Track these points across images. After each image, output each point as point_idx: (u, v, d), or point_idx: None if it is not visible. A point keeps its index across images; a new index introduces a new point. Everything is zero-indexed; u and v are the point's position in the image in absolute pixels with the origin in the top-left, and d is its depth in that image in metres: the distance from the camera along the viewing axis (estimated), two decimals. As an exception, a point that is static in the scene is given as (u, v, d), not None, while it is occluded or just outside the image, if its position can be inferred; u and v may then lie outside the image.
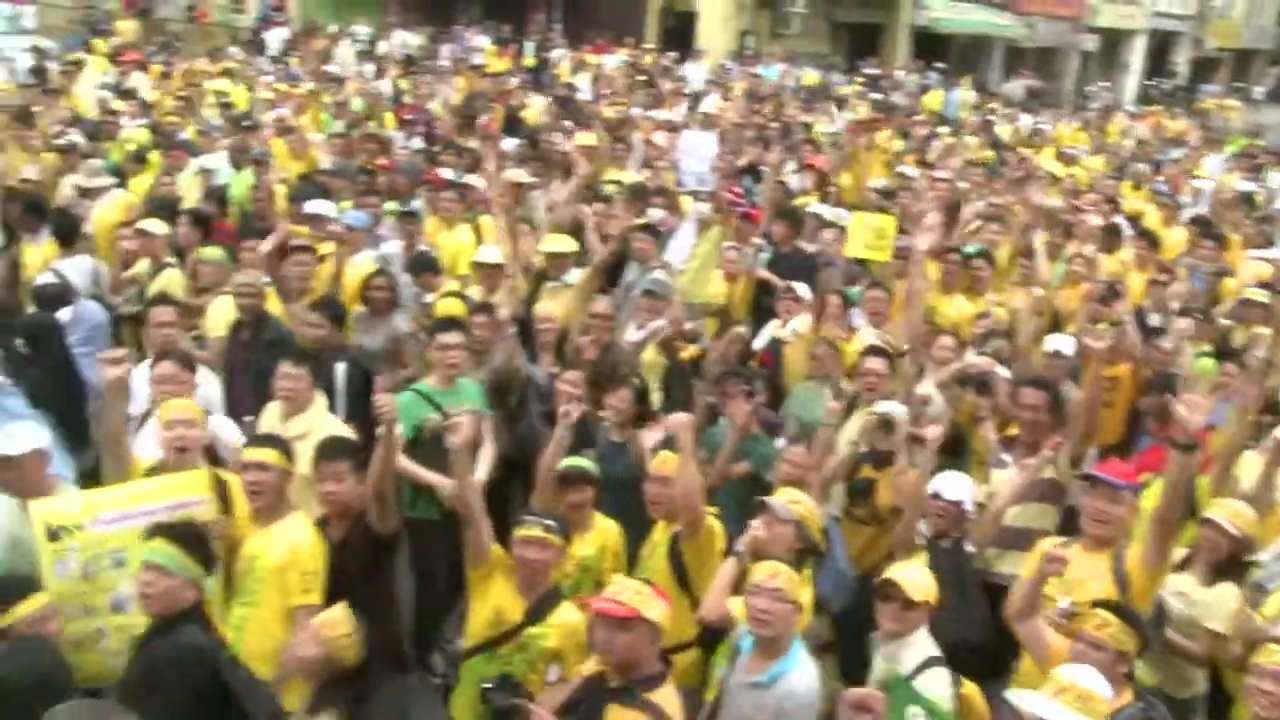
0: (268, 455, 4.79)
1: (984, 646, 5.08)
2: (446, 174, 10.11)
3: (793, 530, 4.88)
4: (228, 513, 4.94)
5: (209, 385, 6.24)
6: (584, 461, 5.43)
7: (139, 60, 17.19)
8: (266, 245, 7.26)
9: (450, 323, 6.31)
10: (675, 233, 9.08)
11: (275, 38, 25.11)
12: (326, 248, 7.78)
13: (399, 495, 5.24)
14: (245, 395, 6.43)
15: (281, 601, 4.62)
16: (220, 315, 6.99)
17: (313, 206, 8.43)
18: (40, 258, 8.21)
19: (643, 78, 18.35)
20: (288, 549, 4.64)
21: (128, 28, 23.95)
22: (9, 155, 10.04)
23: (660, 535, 5.30)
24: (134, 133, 11.90)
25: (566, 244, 7.95)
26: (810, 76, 22.36)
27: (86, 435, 6.57)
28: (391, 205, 9.19)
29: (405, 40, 23.08)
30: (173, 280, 7.67)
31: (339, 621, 4.10)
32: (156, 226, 7.98)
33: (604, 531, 5.35)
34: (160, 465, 5.05)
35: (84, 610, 4.35)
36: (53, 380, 6.55)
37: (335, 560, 4.78)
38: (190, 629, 4.02)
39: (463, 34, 24.68)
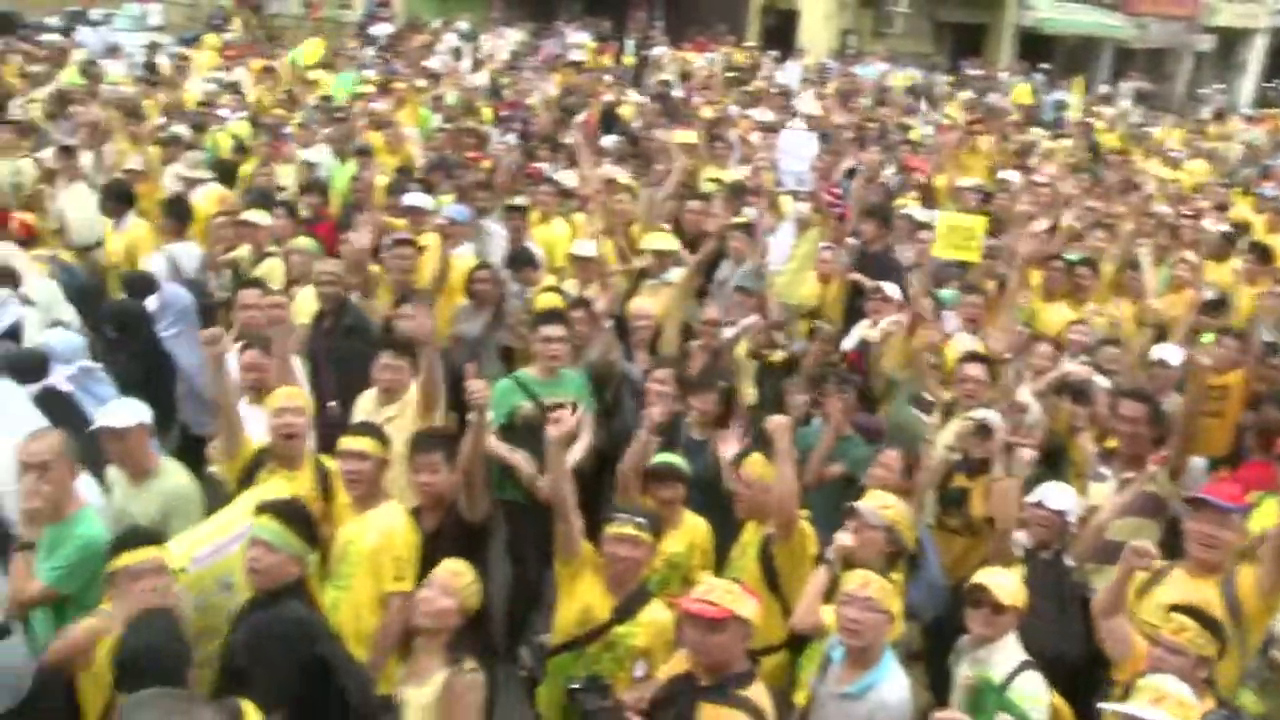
0: (366, 444, 4.90)
1: (1081, 661, 4.98)
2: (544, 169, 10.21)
3: (883, 535, 4.82)
4: (328, 501, 5.05)
5: (297, 368, 6.30)
6: (674, 458, 5.43)
7: (244, 54, 17.56)
8: (362, 239, 7.36)
9: (553, 315, 6.41)
10: (772, 233, 9.03)
11: (380, 32, 25.54)
12: (426, 240, 7.89)
13: (489, 480, 5.30)
14: (329, 382, 6.56)
15: (374, 586, 4.71)
16: (305, 305, 7.13)
17: (411, 199, 8.55)
18: (123, 244, 8.54)
19: (733, 74, 18.25)
20: (382, 535, 4.73)
21: (238, 23, 24.54)
22: (117, 146, 10.32)
23: (751, 536, 5.27)
24: (235, 125, 12.17)
25: (667, 241, 7.95)
26: (904, 77, 21.98)
27: (172, 418, 6.85)
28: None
29: (507, 36, 23.26)
30: (273, 269, 7.85)
31: (461, 570, 4.18)
32: (260, 217, 8.18)
33: (693, 529, 5.33)
34: (268, 450, 5.19)
35: (206, 634, 4.48)
36: (140, 365, 6.79)
37: (428, 550, 4.85)
38: (293, 603, 4.16)
39: (563, 30, 24.82)
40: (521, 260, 7.84)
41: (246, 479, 5.17)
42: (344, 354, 6.65)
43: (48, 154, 9.69)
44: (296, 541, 4.21)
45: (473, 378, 4.91)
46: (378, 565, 4.71)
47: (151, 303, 7.29)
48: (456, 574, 4.18)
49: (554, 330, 6.21)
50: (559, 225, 8.97)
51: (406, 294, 6.96)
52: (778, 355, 7.31)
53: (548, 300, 7.15)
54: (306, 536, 4.28)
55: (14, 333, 6.71)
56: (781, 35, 27.49)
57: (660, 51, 22.26)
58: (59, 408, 5.82)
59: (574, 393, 6.14)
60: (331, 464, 5.24)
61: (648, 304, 7.23)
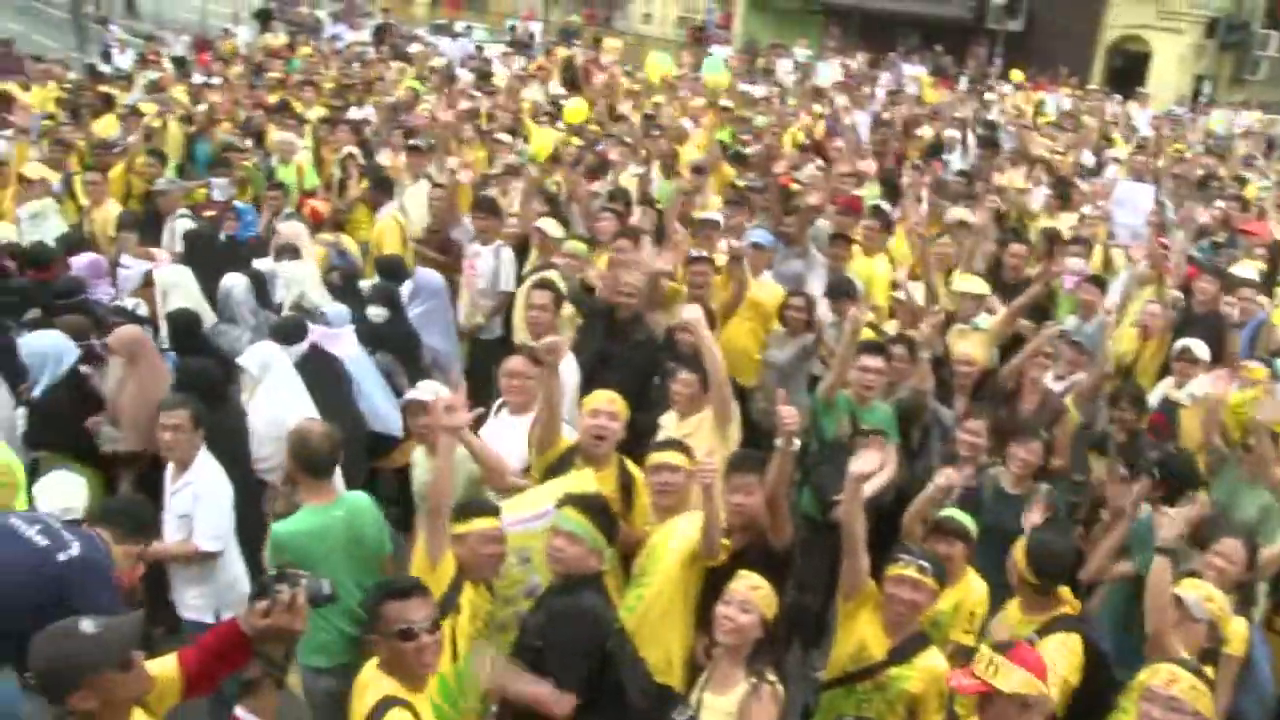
0: (678, 458, 5.07)
1: None
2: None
3: (1204, 630, 4.52)
4: (629, 504, 5.27)
5: (568, 373, 6.42)
6: (961, 515, 5.24)
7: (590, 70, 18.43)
8: (669, 256, 7.49)
9: (876, 347, 6.46)
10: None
11: (722, 54, 26.18)
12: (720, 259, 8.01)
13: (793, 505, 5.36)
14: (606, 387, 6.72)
15: (674, 592, 4.82)
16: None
17: (705, 215, 8.66)
18: (377, 229, 9.34)
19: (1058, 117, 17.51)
20: (685, 541, 4.84)
21: (588, 38, 25.85)
22: (442, 149, 10.92)
23: (1019, 627, 4.94)
24: (551, 133, 12.77)
25: (978, 285, 7.79)
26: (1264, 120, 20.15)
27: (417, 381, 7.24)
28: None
29: (839, 65, 23.30)
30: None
31: (757, 583, 4.26)
32: (552, 227, 8.46)
33: (967, 590, 5.12)
34: (577, 448, 5.45)
35: (504, 600, 4.82)
36: (397, 337, 7.29)
37: (731, 569, 4.76)
38: (589, 593, 4.38)
39: (898, 62, 24.62)
40: (840, 290, 7.78)
41: (552, 473, 5.39)
42: (633, 366, 6.86)
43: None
44: (598, 535, 4.45)
45: (784, 403, 4.97)
46: (681, 572, 4.82)
47: (406, 286, 7.86)
48: (754, 587, 4.26)
49: (874, 362, 6.28)
50: (880, 262, 8.85)
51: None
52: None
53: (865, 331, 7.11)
54: (607, 532, 4.51)
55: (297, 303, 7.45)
56: (1129, 77, 26.17)
57: (1005, 89, 21.64)
58: (322, 365, 6.52)
59: (882, 425, 6.16)
60: (635, 469, 5.44)
61: (973, 349, 7.07)
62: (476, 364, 8.27)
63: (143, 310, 7.09)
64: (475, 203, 9.20)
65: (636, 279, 7.20)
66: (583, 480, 5.09)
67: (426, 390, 5.44)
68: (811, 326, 7.53)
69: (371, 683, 3.74)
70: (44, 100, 13.86)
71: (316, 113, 13.44)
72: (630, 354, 6.94)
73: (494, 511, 4.62)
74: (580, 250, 8.13)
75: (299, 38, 22.71)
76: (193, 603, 5.31)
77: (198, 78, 15.83)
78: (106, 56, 20.38)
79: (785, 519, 4.99)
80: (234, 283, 7.31)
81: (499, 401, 6.06)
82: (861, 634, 4.59)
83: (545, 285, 6.98)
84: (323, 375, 6.49)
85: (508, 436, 5.76)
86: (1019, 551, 4.92)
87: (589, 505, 4.51)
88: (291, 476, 5.04)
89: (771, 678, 4.11)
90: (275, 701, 3.55)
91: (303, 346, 6.59)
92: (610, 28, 33.49)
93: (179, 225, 8.85)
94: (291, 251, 7.89)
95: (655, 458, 5.15)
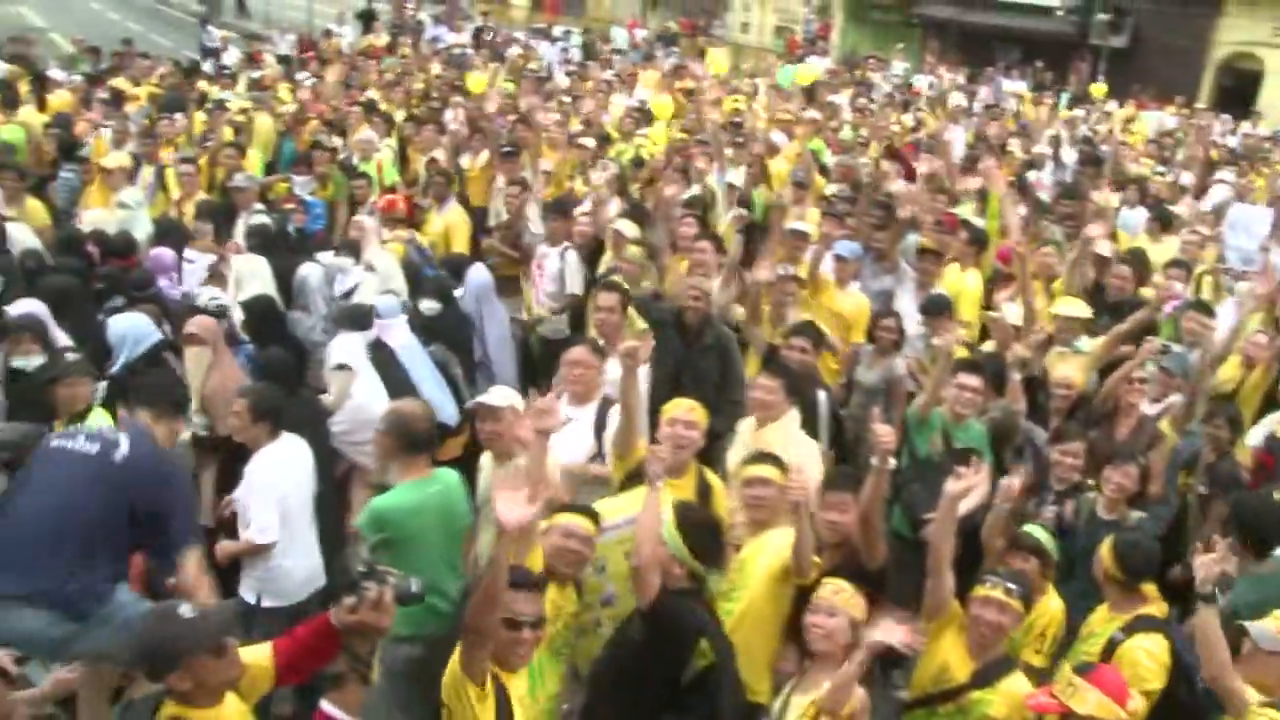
0: (771, 472, 5.03)
1: None
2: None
3: None
4: None
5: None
6: (1041, 532, 5.21)
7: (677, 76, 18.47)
8: (764, 271, 7.40)
9: (974, 366, 6.39)
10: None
11: (819, 65, 26.08)
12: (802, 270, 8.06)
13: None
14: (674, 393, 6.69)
15: (763, 608, 4.81)
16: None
17: (795, 225, 8.64)
18: (442, 225, 9.63)
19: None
20: (777, 557, 4.82)
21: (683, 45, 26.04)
22: (530, 152, 11.05)
23: (1103, 625, 4.98)
24: (640, 140, 12.85)
25: (1079, 308, 7.62)
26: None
27: (475, 375, 7.49)
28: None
29: (935, 79, 23.05)
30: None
31: (841, 587, 4.28)
32: (629, 228, 8.51)
33: (1043, 611, 5.07)
34: None
35: (582, 606, 4.85)
36: (451, 329, 7.46)
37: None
38: (689, 602, 4.42)
39: (997, 77, 24.28)
40: (937, 308, 7.65)
41: (631, 480, 5.39)
42: (700, 370, 6.89)
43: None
44: (685, 550, 4.46)
45: (877, 422, 4.92)
46: (771, 586, 4.81)
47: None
48: (838, 590, 4.26)
49: (972, 380, 6.21)
50: (972, 277, 8.72)
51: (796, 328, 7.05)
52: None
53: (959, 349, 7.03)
54: (699, 548, 4.50)
55: (349, 295, 7.62)
56: (1239, 97, 25.45)
57: (1110, 107, 21.20)
58: (383, 358, 6.71)
59: (976, 443, 6.08)
60: (714, 478, 5.43)
61: (1072, 373, 6.93)
62: (541, 363, 8.37)
63: (226, 300, 7.26)
64: (547, 204, 9.34)
65: (705, 284, 7.21)
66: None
67: (498, 396, 5.45)
68: (900, 347, 7.46)
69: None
70: (145, 95, 14.28)
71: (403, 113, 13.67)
72: (699, 359, 6.96)
73: (585, 512, 4.66)
74: (637, 255, 8.16)
75: (400, 39, 23.09)
76: (242, 582, 5.42)
77: (300, 76, 16.21)
78: (207, 54, 20.98)
79: (879, 538, 4.93)
80: (309, 272, 7.55)
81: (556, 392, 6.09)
82: (945, 655, 4.56)
83: (612, 287, 6.99)
84: (385, 363, 6.71)
85: (567, 426, 5.76)
86: (1106, 549, 4.90)
87: (690, 521, 4.55)
88: (388, 455, 5.08)
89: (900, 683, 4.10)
90: (360, 696, 3.62)
91: (371, 335, 6.79)
92: (709, 36, 33.53)
93: (253, 220, 9.11)
94: (352, 248, 8.05)
95: (748, 471, 5.12)
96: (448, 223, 9.75)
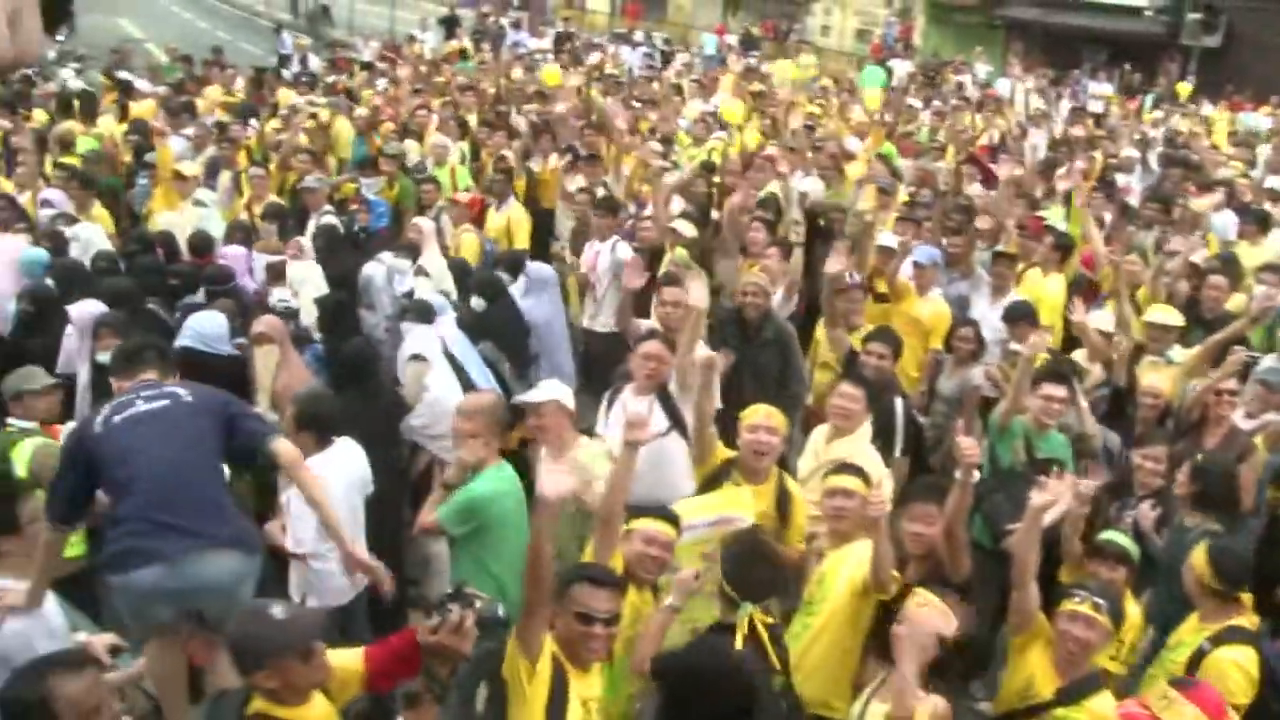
0: (854, 483, 4.98)
1: None
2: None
3: None
4: (786, 522, 5.23)
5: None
6: (1123, 539, 5.12)
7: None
8: (835, 264, 7.30)
9: (1059, 375, 6.26)
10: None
11: (901, 69, 25.88)
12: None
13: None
14: (740, 389, 6.64)
15: (843, 622, 4.75)
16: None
17: (883, 240, 8.51)
18: (503, 221, 9.97)
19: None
20: (859, 570, 4.74)
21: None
22: (611, 153, 11.25)
23: (1191, 635, 4.85)
24: (713, 144, 12.82)
25: (1171, 316, 7.42)
26: None
27: (527, 371, 7.58)
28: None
29: (1020, 83, 22.71)
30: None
31: (928, 599, 4.19)
32: (686, 228, 8.52)
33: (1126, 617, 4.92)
34: (735, 462, 5.44)
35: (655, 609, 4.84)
36: (500, 326, 7.57)
37: (902, 600, 4.75)
38: (717, 642, 4.30)
39: (1082, 79, 23.85)
40: (1020, 314, 7.50)
41: (708, 486, 5.42)
42: (760, 365, 6.88)
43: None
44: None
45: (961, 434, 4.84)
46: (850, 601, 4.74)
47: (520, 280, 8.13)
48: (924, 603, 4.19)
49: (1058, 390, 6.09)
50: (1055, 282, 8.55)
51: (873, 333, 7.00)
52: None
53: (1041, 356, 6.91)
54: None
55: (410, 294, 7.74)
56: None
57: (1206, 110, 20.70)
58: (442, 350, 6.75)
59: (1058, 453, 5.97)
60: (794, 486, 5.40)
61: (1161, 382, 6.77)
62: (591, 356, 8.60)
63: (295, 302, 7.43)
64: (595, 202, 9.46)
65: (763, 279, 7.21)
66: (731, 499, 5.08)
67: (540, 391, 5.49)
68: (978, 357, 7.37)
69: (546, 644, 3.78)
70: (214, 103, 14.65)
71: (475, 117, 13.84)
72: (758, 354, 6.95)
73: (666, 516, 4.67)
74: (682, 257, 8.18)
75: (481, 45, 23.35)
76: (290, 580, 5.50)
77: (381, 83, 16.48)
78: (283, 61, 21.45)
79: (963, 550, 4.85)
80: (374, 271, 7.75)
81: (612, 389, 6.13)
82: (1030, 670, 4.47)
83: (674, 281, 6.97)
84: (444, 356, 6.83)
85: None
86: (1199, 557, 4.78)
87: (744, 555, 4.52)
88: (473, 443, 5.11)
89: (938, 697, 4.01)
90: (434, 716, 3.63)
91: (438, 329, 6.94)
92: (794, 41, 33.42)
93: (322, 221, 9.33)
94: (411, 249, 8.21)
95: (831, 482, 5.07)
96: (509, 219, 9.99)
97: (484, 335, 7.35)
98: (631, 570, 4.49)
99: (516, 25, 30.30)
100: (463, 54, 20.93)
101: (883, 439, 6.20)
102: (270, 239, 8.80)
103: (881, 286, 8.19)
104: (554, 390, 5.47)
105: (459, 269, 8.22)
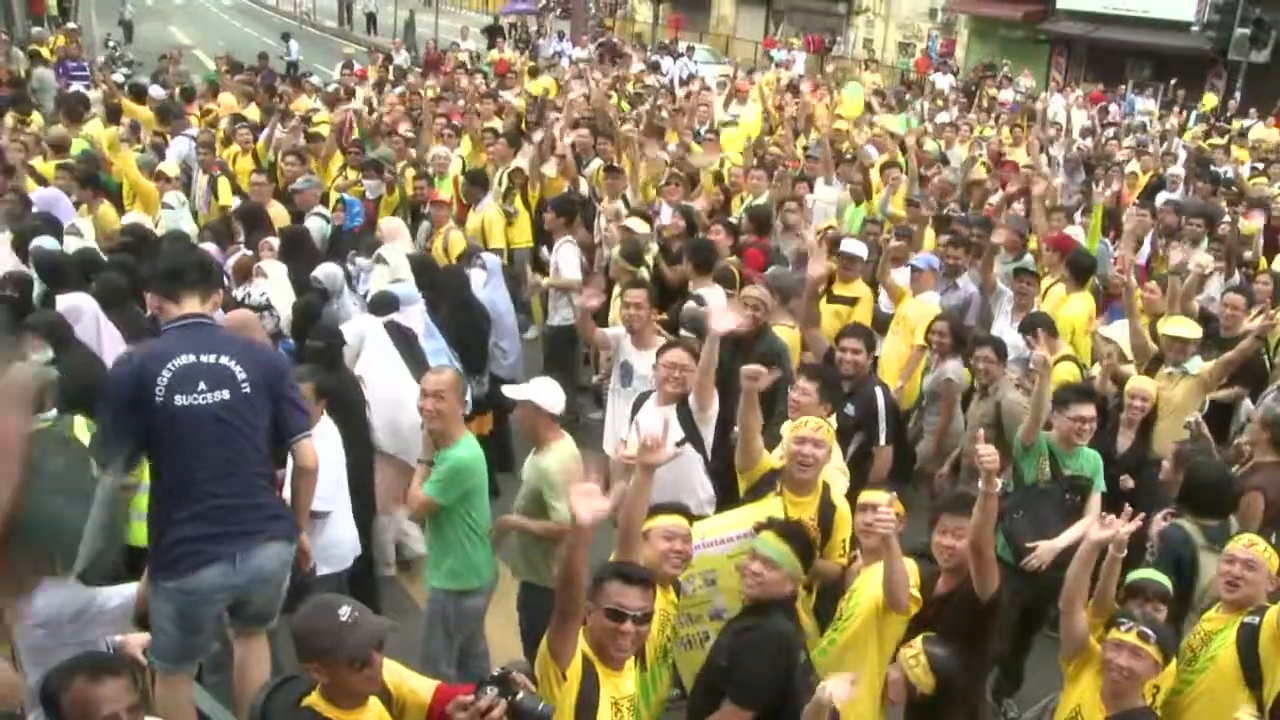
0: (882, 498, 4.86)
1: None
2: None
3: None
4: (827, 535, 5.19)
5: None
6: (1155, 575, 4.94)
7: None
8: (814, 269, 7.19)
9: (1089, 395, 6.21)
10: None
11: (944, 83, 25.85)
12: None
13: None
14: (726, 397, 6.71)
15: (868, 638, 4.68)
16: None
17: (847, 246, 8.63)
18: (478, 221, 10.35)
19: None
20: (880, 587, 4.65)
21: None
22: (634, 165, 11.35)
23: (1219, 625, 4.77)
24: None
25: (1188, 328, 7.33)
26: None
27: (483, 365, 7.86)
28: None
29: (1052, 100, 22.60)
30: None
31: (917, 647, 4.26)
32: (637, 225, 8.71)
33: None
34: (780, 472, 5.37)
35: (689, 619, 4.95)
36: (456, 320, 7.85)
37: (934, 611, 4.78)
38: (780, 617, 4.41)
39: (1129, 94, 23.67)
40: (1034, 325, 7.23)
41: (751, 495, 5.40)
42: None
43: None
44: (796, 561, 4.46)
45: (982, 442, 4.76)
46: (878, 618, 4.67)
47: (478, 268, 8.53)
48: (915, 655, 4.26)
49: (1088, 410, 5.98)
50: (1078, 301, 8.45)
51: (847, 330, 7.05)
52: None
53: (1063, 373, 6.92)
54: (804, 557, 4.53)
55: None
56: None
57: (1251, 125, 20.48)
58: (402, 339, 7.07)
59: (1088, 470, 5.95)
60: (840, 499, 5.31)
61: (1147, 385, 6.74)
62: (553, 349, 9.22)
63: (256, 299, 7.57)
64: (551, 203, 9.87)
65: (762, 293, 7.25)
66: (772, 508, 5.07)
67: (519, 389, 5.59)
68: (958, 352, 7.32)
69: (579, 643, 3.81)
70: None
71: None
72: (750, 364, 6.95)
73: (680, 511, 4.75)
74: (620, 258, 8.37)
75: (523, 54, 23.60)
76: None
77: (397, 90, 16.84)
78: (292, 68, 21.89)
79: (989, 566, 4.67)
80: (334, 270, 8.00)
81: (639, 395, 6.23)
82: (1080, 698, 4.40)
83: (639, 284, 7.06)
84: (403, 345, 7.06)
85: (654, 425, 5.75)
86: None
87: (789, 532, 4.52)
88: (445, 410, 5.24)
89: None
90: None
91: (389, 318, 7.16)
92: (826, 55, 33.48)
93: (312, 221, 9.70)
94: (373, 249, 8.38)
95: (865, 496, 5.02)
96: (484, 219, 10.40)
97: (451, 328, 7.68)
98: (656, 571, 4.45)
99: (561, 35, 30.60)
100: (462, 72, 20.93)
101: (866, 429, 6.24)
102: (241, 238, 8.97)
103: (840, 289, 8.33)
104: (529, 390, 5.53)
105: (420, 263, 8.43)
